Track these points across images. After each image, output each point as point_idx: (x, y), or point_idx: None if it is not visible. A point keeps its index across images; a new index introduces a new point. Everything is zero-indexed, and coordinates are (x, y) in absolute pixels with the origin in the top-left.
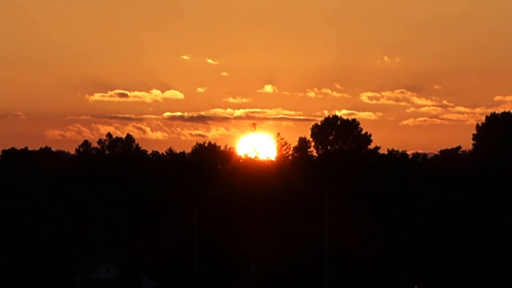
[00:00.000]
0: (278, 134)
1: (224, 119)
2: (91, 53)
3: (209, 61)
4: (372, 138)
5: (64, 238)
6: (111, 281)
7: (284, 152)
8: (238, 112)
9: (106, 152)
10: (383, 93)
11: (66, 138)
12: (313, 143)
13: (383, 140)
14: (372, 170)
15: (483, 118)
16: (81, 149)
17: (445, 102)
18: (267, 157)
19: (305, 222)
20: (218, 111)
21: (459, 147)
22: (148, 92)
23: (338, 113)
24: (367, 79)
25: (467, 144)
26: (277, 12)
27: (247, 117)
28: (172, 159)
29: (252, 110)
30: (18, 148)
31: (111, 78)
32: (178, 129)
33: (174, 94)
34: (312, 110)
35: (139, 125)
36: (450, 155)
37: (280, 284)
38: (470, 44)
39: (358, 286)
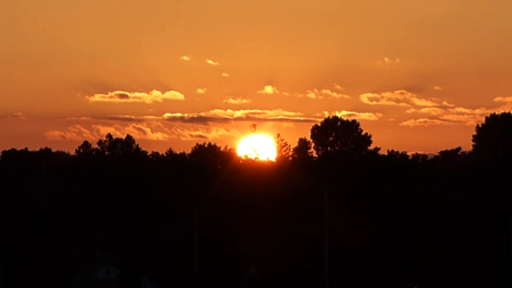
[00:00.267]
0: (278, 135)
1: (224, 120)
2: (91, 54)
3: (209, 62)
4: (372, 139)
5: (64, 238)
6: (111, 282)
7: (284, 153)
8: (238, 113)
9: (106, 153)
10: (383, 94)
11: (66, 139)
12: (313, 144)
13: (383, 141)
14: (372, 171)
15: (483, 119)
16: (81, 150)
17: (445, 103)
18: (267, 158)
19: (305, 222)
20: (218, 112)
21: (459, 148)
22: (148, 93)
23: (338, 114)
24: (367, 80)
25: (467, 145)
26: (277, 13)
27: (247, 118)
28: (172, 160)
29: (252, 111)
30: (18, 149)
31: (111, 79)
32: (178, 130)
33: (174, 95)
34: (312, 111)
35: (139, 126)
36: (450, 156)
37: (280, 284)
38: (470, 45)
39: (358, 286)
